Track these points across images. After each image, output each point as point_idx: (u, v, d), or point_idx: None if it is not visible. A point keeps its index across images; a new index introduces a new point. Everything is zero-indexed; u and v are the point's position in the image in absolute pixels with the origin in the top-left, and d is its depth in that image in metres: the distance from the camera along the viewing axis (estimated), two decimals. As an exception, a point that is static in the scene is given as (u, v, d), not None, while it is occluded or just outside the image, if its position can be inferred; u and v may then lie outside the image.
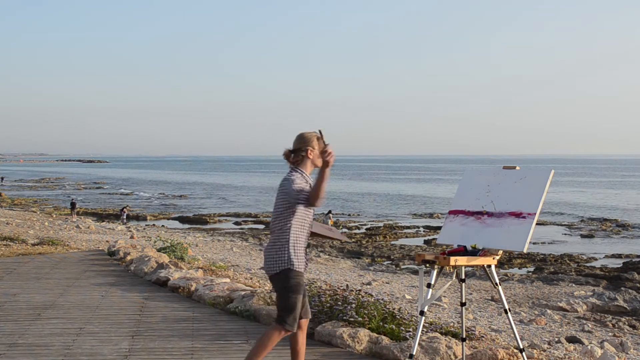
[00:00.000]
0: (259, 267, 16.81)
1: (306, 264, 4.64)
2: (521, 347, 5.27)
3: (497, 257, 5.11)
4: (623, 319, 13.32)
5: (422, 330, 6.04)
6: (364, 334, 6.12)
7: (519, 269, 23.09)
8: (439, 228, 24.72)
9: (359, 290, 7.32)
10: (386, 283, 16.83)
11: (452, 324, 7.70)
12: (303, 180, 4.55)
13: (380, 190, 70.99)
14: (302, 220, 4.58)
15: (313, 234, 4.83)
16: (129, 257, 11.85)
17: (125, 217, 38.39)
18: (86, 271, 10.94)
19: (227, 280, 9.55)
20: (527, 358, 6.00)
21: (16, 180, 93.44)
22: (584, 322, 12.72)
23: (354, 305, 6.68)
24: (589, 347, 8.01)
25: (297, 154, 4.63)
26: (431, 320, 7.61)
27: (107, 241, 20.82)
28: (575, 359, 7.36)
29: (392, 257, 25.46)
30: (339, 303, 6.80)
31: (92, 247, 18.04)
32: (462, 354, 5.58)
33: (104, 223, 35.52)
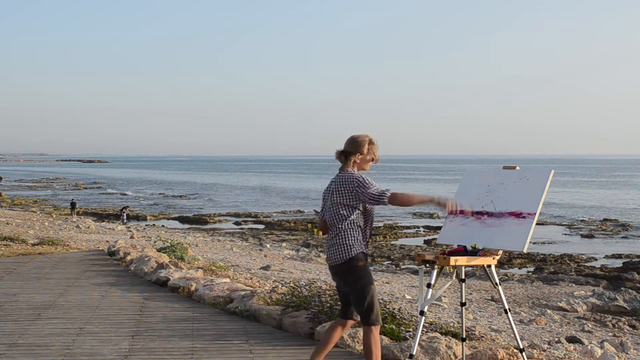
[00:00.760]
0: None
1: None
2: (521, 347, 5.27)
3: (497, 257, 5.11)
4: (623, 319, 13.32)
5: (422, 330, 6.04)
6: (364, 334, 6.11)
7: (519, 269, 23.09)
8: (439, 228, 24.71)
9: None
10: (386, 283, 16.83)
11: (452, 324, 7.70)
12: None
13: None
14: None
15: None
16: (129, 257, 11.85)
17: (125, 217, 38.42)
18: (86, 271, 10.94)
19: (227, 280, 9.55)
20: (527, 358, 6.00)
21: (16, 180, 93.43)
22: (584, 322, 12.72)
23: (354, 305, 6.67)
24: (589, 347, 8.01)
25: (347, 157, 4.74)
26: (431, 320, 7.61)
27: (107, 241, 20.82)
28: (575, 359, 7.36)
29: (392, 257, 25.46)
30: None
31: (92, 247, 18.04)
32: (462, 354, 5.58)
33: (103, 223, 35.52)
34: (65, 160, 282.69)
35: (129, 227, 32.87)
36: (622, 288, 16.89)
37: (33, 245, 15.61)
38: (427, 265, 5.10)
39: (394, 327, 6.33)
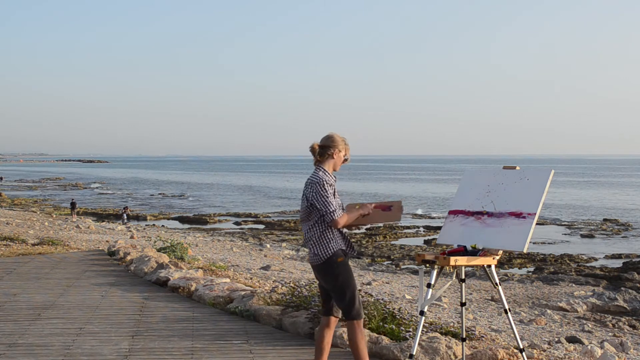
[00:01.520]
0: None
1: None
2: (521, 347, 5.27)
3: (497, 257, 5.11)
4: (623, 319, 13.32)
5: (422, 330, 6.04)
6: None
7: (519, 269, 23.08)
8: (439, 228, 24.72)
9: (359, 290, 7.31)
10: (386, 283, 16.82)
11: (452, 324, 7.69)
12: (331, 179, 4.80)
13: (381, 190, 70.98)
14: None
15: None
16: (129, 257, 11.85)
17: (125, 217, 38.43)
18: (86, 271, 10.94)
19: (227, 280, 9.55)
20: (527, 358, 6.00)
21: (16, 180, 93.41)
22: (584, 322, 12.72)
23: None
24: (589, 347, 8.01)
25: (324, 151, 4.85)
26: (431, 320, 7.61)
27: (107, 241, 20.82)
28: (575, 359, 7.36)
29: (392, 257, 25.46)
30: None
31: (92, 247, 18.04)
32: (462, 354, 5.58)
33: (104, 223, 35.52)
34: (65, 160, 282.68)
35: (129, 227, 32.86)
36: (622, 288, 16.90)
37: (33, 245, 15.61)
38: (427, 265, 5.10)
39: (394, 327, 6.33)
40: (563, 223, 38.98)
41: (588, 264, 24.17)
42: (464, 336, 5.59)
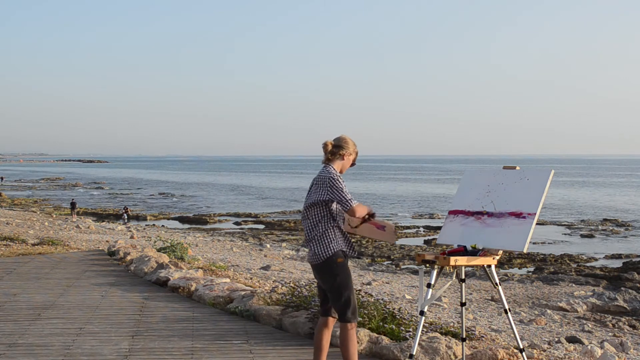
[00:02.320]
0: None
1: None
2: (521, 347, 5.27)
3: (497, 257, 5.11)
4: (623, 319, 13.32)
5: (422, 330, 6.04)
6: (364, 334, 6.11)
7: (519, 269, 23.08)
8: (439, 228, 24.72)
9: (359, 290, 7.31)
10: (386, 283, 16.83)
11: (452, 324, 7.70)
12: (340, 177, 4.87)
13: (380, 190, 70.99)
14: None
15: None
16: (129, 257, 11.85)
17: (126, 217, 38.43)
18: (86, 271, 10.94)
19: (227, 280, 9.55)
20: (527, 358, 6.00)
21: (16, 180, 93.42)
22: (584, 322, 12.72)
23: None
24: (589, 347, 8.01)
25: (336, 151, 4.92)
26: (431, 320, 7.61)
27: (107, 241, 20.82)
28: (575, 359, 7.36)
29: (392, 257, 25.46)
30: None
31: (92, 247, 18.04)
32: (462, 354, 5.58)
33: (104, 223, 35.53)
34: (65, 160, 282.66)
35: (129, 227, 32.87)
36: (622, 288, 16.90)
37: (33, 245, 15.61)
38: (427, 265, 5.10)
39: (394, 327, 6.33)
40: (563, 223, 38.98)
41: (588, 264, 24.17)
42: (464, 336, 5.59)
